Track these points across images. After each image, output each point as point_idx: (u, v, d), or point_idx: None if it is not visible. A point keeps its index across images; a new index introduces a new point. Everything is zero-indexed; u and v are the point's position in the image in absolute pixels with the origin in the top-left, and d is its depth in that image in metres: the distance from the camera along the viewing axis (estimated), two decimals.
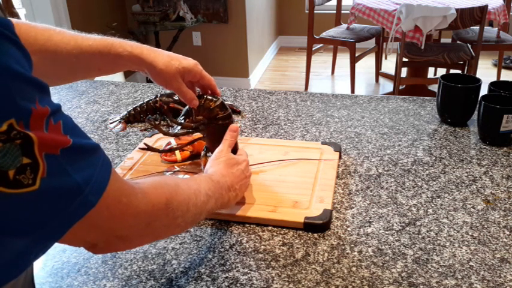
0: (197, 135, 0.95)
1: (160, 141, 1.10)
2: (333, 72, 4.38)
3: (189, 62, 0.87)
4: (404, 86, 3.68)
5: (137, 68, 0.85)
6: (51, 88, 0.44)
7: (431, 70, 3.91)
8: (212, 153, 0.87)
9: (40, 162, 0.38)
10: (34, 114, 0.38)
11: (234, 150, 0.89)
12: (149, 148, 0.93)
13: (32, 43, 0.75)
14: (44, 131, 0.39)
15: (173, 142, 1.03)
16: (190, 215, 0.64)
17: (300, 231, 0.81)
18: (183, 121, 0.89)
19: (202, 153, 0.96)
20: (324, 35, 3.76)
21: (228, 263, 0.75)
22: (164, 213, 0.57)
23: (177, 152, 1.00)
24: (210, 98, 0.88)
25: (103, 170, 0.45)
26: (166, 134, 0.92)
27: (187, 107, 0.89)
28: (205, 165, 0.86)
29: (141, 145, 1.05)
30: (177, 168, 0.98)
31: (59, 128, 0.41)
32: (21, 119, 0.37)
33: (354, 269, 0.72)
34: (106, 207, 0.46)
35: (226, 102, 1.30)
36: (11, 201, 0.37)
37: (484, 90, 1.12)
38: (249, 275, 0.72)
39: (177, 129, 0.90)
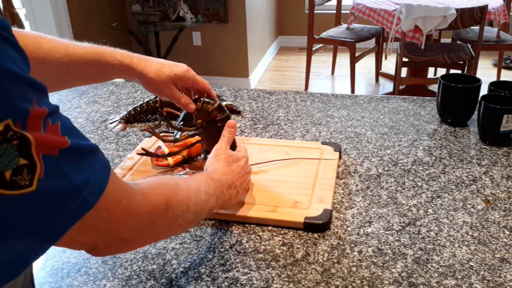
0: (192, 140, 0.94)
1: (159, 142, 1.10)
2: (333, 72, 4.38)
3: (180, 68, 0.86)
4: (404, 86, 3.68)
5: (128, 77, 0.85)
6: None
7: (431, 70, 3.91)
8: None
9: (37, 163, 0.37)
10: (31, 114, 0.37)
11: (233, 147, 0.89)
12: (147, 153, 0.93)
13: None
14: (41, 132, 0.38)
15: (163, 147, 1.02)
16: (191, 215, 0.64)
17: (300, 231, 0.81)
18: (181, 126, 0.89)
19: (202, 156, 0.95)
20: (324, 35, 3.76)
21: (228, 263, 0.75)
22: (164, 213, 0.57)
23: (169, 157, 0.99)
24: (208, 100, 0.88)
25: (102, 171, 0.45)
26: (165, 141, 0.91)
27: (184, 111, 0.89)
28: None
29: (139, 149, 1.05)
30: (187, 170, 0.97)
31: (56, 129, 0.40)
32: (18, 120, 0.36)
33: (354, 269, 0.72)
34: (105, 208, 0.46)
35: (226, 102, 1.31)
36: (7, 202, 0.36)
37: (484, 90, 1.12)
38: (249, 275, 0.72)
39: (178, 135, 0.90)
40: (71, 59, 0.79)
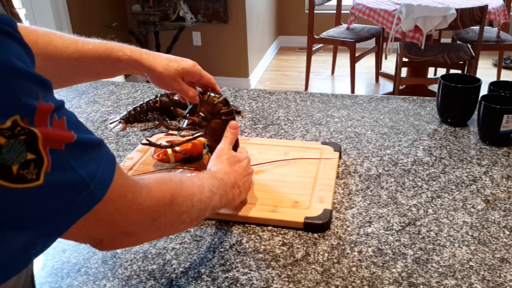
0: (195, 134, 0.95)
1: (160, 141, 1.10)
2: (333, 72, 4.38)
3: (187, 62, 0.88)
4: (404, 86, 3.68)
5: (136, 71, 0.86)
6: None
7: (431, 70, 3.91)
8: (213, 150, 0.87)
9: (44, 158, 0.38)
10: (38, 110, 0.38)
11: (235, 147, 0.89)
12: (151, 143, 0.93)
13: (33, 47, 0.75)
14: (48, 127, 0.39)
15: (164, 143, 1.02)
16: (195, 211, 0.64)
17: (300, 231, 0.81)
18: (187, 115, 0.90)
19: (204, 151, 0.96)
20: (324, 35, 3.76)
21: (228, 263, 0.75)
22: (169, 208, 0.57)
23: (170, 153, 0.99)
24: (214, 94, 0.90)
25: (108, 165, 0.46)
26: (169, 128, 0.92)
27: (191, 104, 0.90)
28: (207, 163, 0.86)
29: (144, 141, 1.05)
30: (185, 168, 0.97)
31: (62, 124, 0.41)
32: (26, 116, 0.37)
33: (354, 269, 0.72)
34: (111, 202, 0.46)
35: None
36: (14, 195, 0.37)
37: (484, 90, 1.12)
38: (249, 275, 0.72)
39: (185, 123, 0.91)
40: (81, 55, 0.80)
